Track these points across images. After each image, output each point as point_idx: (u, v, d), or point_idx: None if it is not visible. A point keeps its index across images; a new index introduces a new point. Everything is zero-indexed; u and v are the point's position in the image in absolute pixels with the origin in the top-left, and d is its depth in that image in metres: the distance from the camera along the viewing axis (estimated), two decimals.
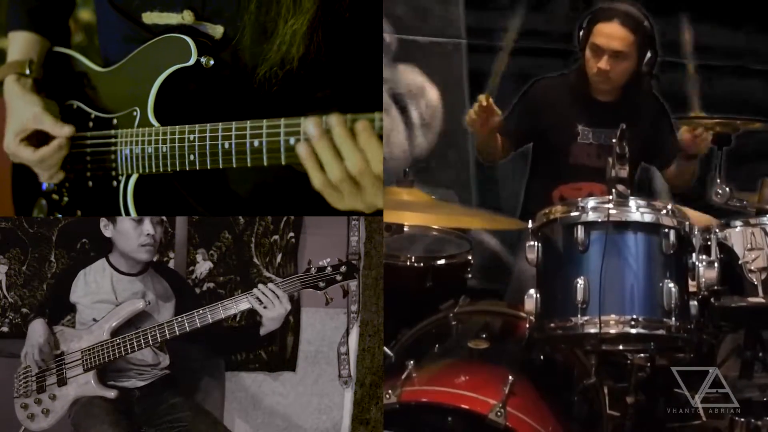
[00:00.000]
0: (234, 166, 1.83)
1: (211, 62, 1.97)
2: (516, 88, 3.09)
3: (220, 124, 1.85)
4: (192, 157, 1.89)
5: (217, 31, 1.97)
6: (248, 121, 1.80)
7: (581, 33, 2.81)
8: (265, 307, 2.30)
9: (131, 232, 2.43)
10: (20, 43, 2.22)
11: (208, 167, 1.87)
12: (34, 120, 2.09)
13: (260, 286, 2.31)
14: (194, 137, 1.88)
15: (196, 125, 1.88)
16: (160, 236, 2.49)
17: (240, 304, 2.33)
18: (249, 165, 1.81)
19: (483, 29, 3.80)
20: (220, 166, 1.85)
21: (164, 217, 2.54)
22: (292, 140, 1.74)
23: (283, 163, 1.77)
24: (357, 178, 1.66)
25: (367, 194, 1.69)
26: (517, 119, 2.96)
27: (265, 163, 1.79)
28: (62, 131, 2.08)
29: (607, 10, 2.76)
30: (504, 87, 3.55)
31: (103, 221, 2.45)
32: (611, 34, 2.74)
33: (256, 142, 1.79)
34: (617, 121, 2.67)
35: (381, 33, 2.00)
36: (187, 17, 1.97)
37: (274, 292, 2.29)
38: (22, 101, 2.12)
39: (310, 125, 1.68)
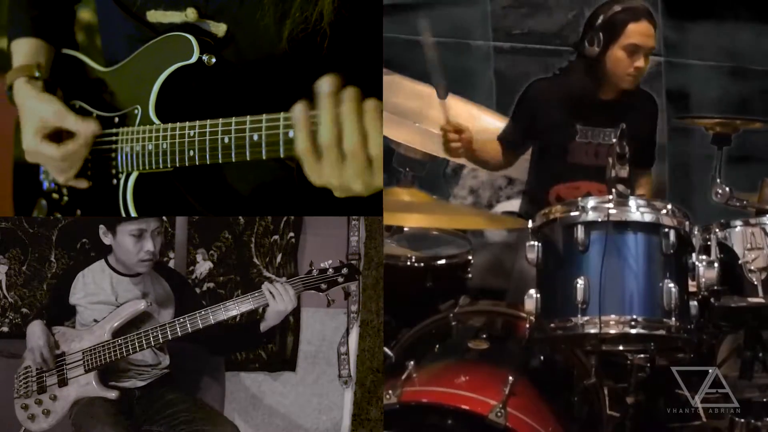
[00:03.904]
0: (233, 160, 1.84)
1: (213, 60, 1.97)
2: (512, 89, 3.12)
3: (220, 119, 1.85)
4: (192, 152, 1.89)
5: (220, 29, 1.97)
6: (248, 116, 1.81)
7: (602, 34, 2.76)
8: (274, 299, 2.30)
9: (131, 248, 2.41)
10: (26, 50, 2.21)
11: (208, 162, 1.87)
12: (56, 117, 2.07)
13: (267, 283, 2.32)
14: (194, 133, 1.88)
15: (197, 121, 1.89)
16: (160, 246, 2.48)
17: (242, 304, 2.33)
18: (248, 159, 1.82)
19: None
20: (220, 161, 1.86)
21: (165, 221, 2.53)
22: (291, 133, 1.75)
23: (282, 155, 1.78)
24: (347, 153, 1.65)
25: (347, 173, 1.66)
26: (518, 124, 2.96)
27: (264, 157, 1.79)
28: (88, 128, 2.05)
29: (632, 9, 2.76)
30: (502, 88, 3.58)
31: (102, 229, 2.44)
32: (646, 32, 2.75)
33: (255, 136, 1.79)
34: (617, 119, 2.66)
35: (381, 20, 2.00)
36: (190, 15, 1.98)
37: (284, 287, 2.30)
38: (37, 101, 2.10)
39: (325, 83, 1.66)
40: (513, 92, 3.05)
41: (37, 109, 2.09)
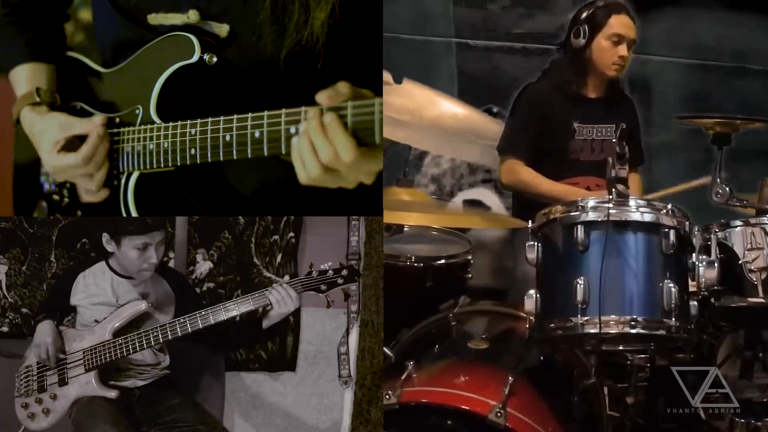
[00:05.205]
0: (234, 157, 1.84)
1: (215, 59, 1.97)
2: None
3: (222, 117, 1.85)
4: (193, 150, 1.89)
5: (223, 29, 1.97)
6: (249, 113, 1.82)
7: (586, 26, 2.91)
8: (278, 303, 2.33)
9: (134, 260, 2.43)
10: (24, 77, 2.20)
11: (209, 160, 1.88)
12: (62, 129, 2.07)
13: (275, 285, 2.34)
14: (195, 131, 1.89)
15: (198, 119, 1.89)
16: (163, 253, 2.49)
17: (242, 305, 2.34)
18: (249, 156, 1.82)
19: None
20: (221, 159, 1.86)
21: (168, 228, 2.53)
22: (292, 129, 1.76)
23: (283, 152, 1.79)
24: (330, 166, 1.71)
25: (346, 176, 1.74)
26: (525, 131, 2.97)
27: (266, 154, 1.80)
28: (93, 122, 2.05)
29: (614, 4, 2.93)
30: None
31: (105, 237, 2.45)
32: (627, 24, 2.93)
33: (257, 133, 1.80)
34: (607, 116, 2.92)
35: (381, 19, 2.00)
36: (192, 17, 1.98)
37: (287, 291, 2.33)
38: (42, 122, 2.11)
39: (310, 112, 1.73)
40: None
41: (44, 130, 2.10)
